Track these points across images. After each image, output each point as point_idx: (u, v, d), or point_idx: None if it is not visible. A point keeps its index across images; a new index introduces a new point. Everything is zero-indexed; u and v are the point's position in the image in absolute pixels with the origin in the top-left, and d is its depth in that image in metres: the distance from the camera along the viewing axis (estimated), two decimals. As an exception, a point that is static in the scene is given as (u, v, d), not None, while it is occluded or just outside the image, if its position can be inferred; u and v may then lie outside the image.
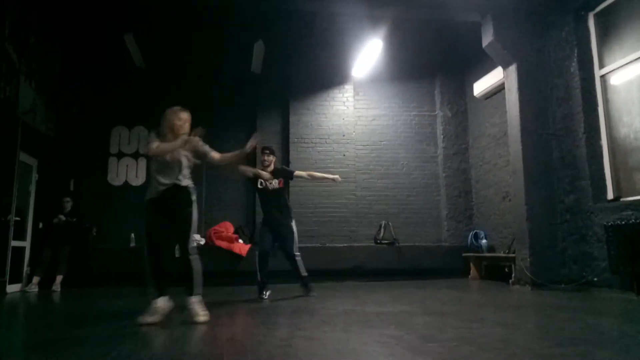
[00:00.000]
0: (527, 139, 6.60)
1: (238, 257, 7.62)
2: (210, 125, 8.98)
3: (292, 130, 8.82)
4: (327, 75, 9.02)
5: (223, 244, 7.70)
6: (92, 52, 8.43)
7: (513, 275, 6.72)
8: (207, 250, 7.68)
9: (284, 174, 5.72)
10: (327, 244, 8.31)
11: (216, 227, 8.03)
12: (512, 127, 6.83)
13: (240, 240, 7.89)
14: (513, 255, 6.78)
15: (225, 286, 7.04)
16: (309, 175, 5.95)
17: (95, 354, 2.74)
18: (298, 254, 5.59)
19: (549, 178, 6.53)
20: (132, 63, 8.36)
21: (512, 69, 6.82)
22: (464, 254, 8.23)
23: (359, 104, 9.19)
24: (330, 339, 3.09)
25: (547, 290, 5.97)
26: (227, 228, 8.07)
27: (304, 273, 5.63)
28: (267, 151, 5.64)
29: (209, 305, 5.01)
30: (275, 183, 5.56)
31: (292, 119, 8.87)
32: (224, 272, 7.53)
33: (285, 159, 8.75)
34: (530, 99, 6.68)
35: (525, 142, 6.58)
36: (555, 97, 6.58)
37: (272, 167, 5.63)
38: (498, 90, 7.88)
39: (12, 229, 6.62)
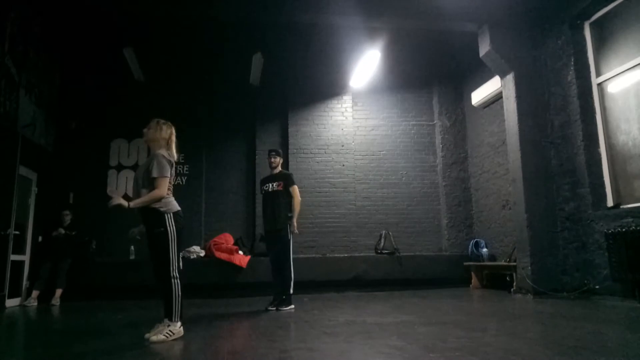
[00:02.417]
0: (526, 147, 6.62)
1: (238, 268, 7.58)
2: (209, 137, 9.05)
3: (291, 141, 8.84)
4: (325, 86, 9.07)
5: (223, 256, 7.67)
6: (92, 66, 8.48)
7: (514, 283, 6.70)
8: (207, 262, 7.67)
9: (286, 179, 5.81)
10: (327, 255, 8.29)
11: (216, 239, 8.00)
12: (511, 135, 6.85)
13: (240, 252, 7.86)
14: (514, 263, 6.76)
15: (226, 298, 7.01)
16: (295, 201, 5.77)
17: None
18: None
19: (549, 186, 6.54)
20: (131, 76, 8.41)
21: (510, 78, 6.87)
22: (464, 263, 8.21)
23: (358, 114, 9.22)
24: (332, 350, 3.07)
25: (548, 298, 5.95)
26: (227, 239, 8.05)
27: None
28: (273, 152, 5.95)
29: (210, 317, 4.99)
30: (274, 185, 5.74)
31: (291, 129, 8.89)
32: (224, 284, 7.50)
33: (284, 169, 8.74)
34: (528, 108, 6.72)
35: (524, 151, 6.61)
36: (553, 106, 6.62)
37: (278, 168, 5.90)
38: (496, 99, 7.92)
39: (11, 242, 6.60)
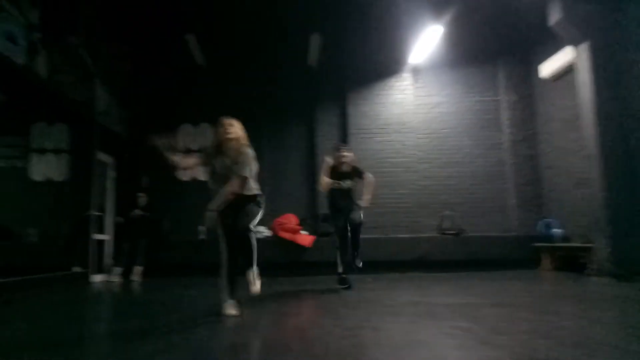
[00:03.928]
0: (603, 122, 6.17)
1: (303, 248, 7.76)
2: (270, 120, 9.21)
3: (350, 121, 8.81)
4: (384, 64, 8.90)
5: (287, 235, 7.87)
6: (159, 53, 8.86)
7: (590, 266, 6.35)
8: (273, 242, 7.89)
9: (359, 173, 5.72)
10: (390, 235, 8.26)
11: (280, 219, 8.20)
12: (586, 110, 6.42)
13: (304, 232, 8.02)
14: (590, 244, 6.40)
15: (290, 277, 7.20)
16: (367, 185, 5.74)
17: (175, 340, 2.93)
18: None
19: (628, 163, 6.08)
20: (195, 63, 8.70)
21: (584, 47, 6.39)
22: (534, 244, 7.87)
23: (418, 92, 9.00)
24: (396, 329, 3.10)
25: (629, 282, 5.57)
26: (291, 220, 8.23)
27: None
28: (345, 148, 5.81)
29: (276, 295, 5.17)
30: (349, 183, 5.65)
31: (350, 109, 8.85)
32: (289, 262, 7.70)
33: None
34: (605, 79, 6.24)
35: (601, 126, 6.17)
36: (633, 76, 6.10)
37: (348, 163, 5.73)
38: (568, 71, 7.41)
39: (93, 223, 7.17)
